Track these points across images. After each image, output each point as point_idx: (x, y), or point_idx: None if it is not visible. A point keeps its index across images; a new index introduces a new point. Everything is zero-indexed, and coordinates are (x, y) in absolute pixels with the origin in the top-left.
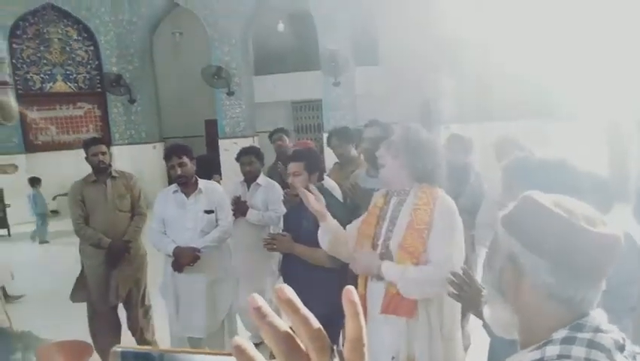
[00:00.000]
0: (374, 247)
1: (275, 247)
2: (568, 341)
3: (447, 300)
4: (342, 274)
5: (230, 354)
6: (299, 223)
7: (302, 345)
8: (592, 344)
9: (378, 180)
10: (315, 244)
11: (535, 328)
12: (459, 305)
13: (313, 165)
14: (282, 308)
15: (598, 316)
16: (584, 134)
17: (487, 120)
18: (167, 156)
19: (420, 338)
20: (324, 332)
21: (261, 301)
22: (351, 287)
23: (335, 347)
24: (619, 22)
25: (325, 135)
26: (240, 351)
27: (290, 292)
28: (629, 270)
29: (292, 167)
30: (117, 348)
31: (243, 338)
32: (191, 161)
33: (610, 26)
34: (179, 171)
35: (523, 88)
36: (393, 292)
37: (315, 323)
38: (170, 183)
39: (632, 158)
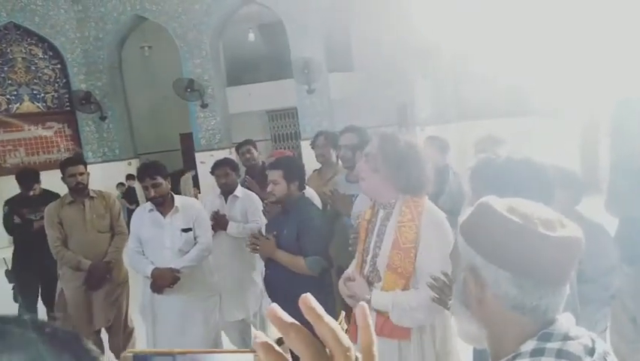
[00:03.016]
0: (363, 262)
1: (258, 248)
2: (537, 353)
3: (439, 316)
4: (324, 281)
5: (253, 351)
6: (279, 231)
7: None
8: (561, 354)
9: (358, 186)
10: (295, 251)
11: (503, 339)
12: (451, 318)
13: (292, 173)
14: (307, 315)
15: (565, 321)
16: (557, 131)
17: (462, 120)
18: (140, 178)
19: (412, 357)
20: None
21: (280, 310)
22: (364, 304)
23: (357, 353)
24: (592, 21)
25: (303, 143)
26: (266, 348)
27: (313, 300)
28: (607, 261)
29: (270, 175)
30: (128, 353)
31: (265, 336)
32: (166, 179)
33: (582, 25)
34: (152, 192)
35: (497, 87)
36: (385, 317)
37: (340, 330)
38: (147, 199)
39: (603, 152)
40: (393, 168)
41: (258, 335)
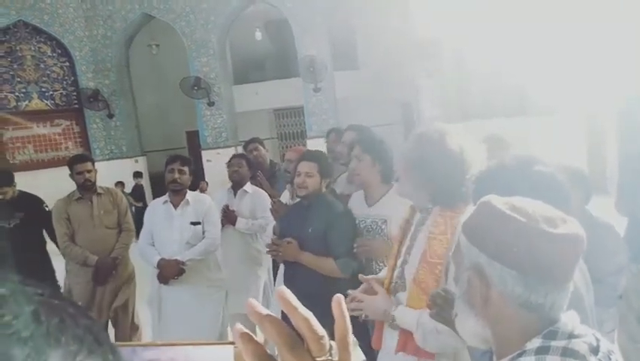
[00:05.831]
0: (395, 267)
1: (280, 254)
2: (542, 350)
3: None
4: (352, 283)
5: (232, 343)
6: (302, 230)
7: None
8: (566, 352)
9: (356, 187)
10: (323, 251)
11: (508, 338)
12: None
13: (326, 168)
14: (283, 307)
15: (570, 320)
16: (564, 129)
17: (467, 120)
18: (172, 160)
19: None
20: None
21: (257, 304)
22: (339, 295)
23: (332, 342)
24: (595, 18)
25: (310, 142)
26: (245, 339)
27: (288, 293)
28: (616, 260)
29: (305, 166)
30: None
31: (244, 328)
32: (190, 174)
33: (586, 22)
34: (177, 174)
35: (502, 86)
36: (410, 334)
37: (313, 319)
38: (154, 196)
39: (610, 151)
40: (423, 174)
41: (237, 327)
